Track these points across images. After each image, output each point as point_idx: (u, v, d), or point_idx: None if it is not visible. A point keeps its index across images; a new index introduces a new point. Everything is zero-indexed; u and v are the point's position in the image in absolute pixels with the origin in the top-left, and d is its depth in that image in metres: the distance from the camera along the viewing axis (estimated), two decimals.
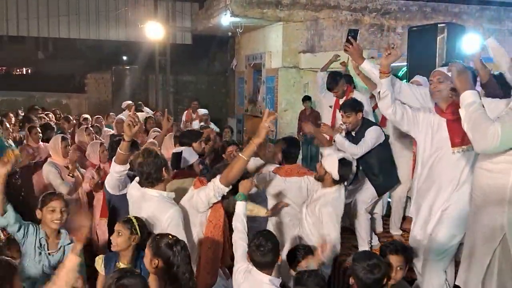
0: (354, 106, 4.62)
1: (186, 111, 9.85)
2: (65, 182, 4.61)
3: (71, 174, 4.68)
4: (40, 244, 3.02)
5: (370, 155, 4.45)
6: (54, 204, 3.05)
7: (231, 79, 13.00)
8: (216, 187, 2.99)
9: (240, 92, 11.84)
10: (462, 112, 2.56)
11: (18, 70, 22.40)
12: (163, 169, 3.02)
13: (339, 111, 5.01)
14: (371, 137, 4.39)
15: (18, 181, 5.34)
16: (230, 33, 11.30)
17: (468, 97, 2.53)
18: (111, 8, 12.56)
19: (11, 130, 5.91)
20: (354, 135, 4.55)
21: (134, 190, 3.12)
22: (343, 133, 4.70)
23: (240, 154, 2.93)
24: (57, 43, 25.56)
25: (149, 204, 3.00)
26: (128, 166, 3.34)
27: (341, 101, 5.56)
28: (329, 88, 5.59)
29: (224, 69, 13.64)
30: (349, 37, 3.51)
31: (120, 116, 7.95)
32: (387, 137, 4.64)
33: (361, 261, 2.69)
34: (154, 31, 11.79)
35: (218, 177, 3.01)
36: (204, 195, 3.03)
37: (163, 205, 2.97)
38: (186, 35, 12.93)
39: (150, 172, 2.99)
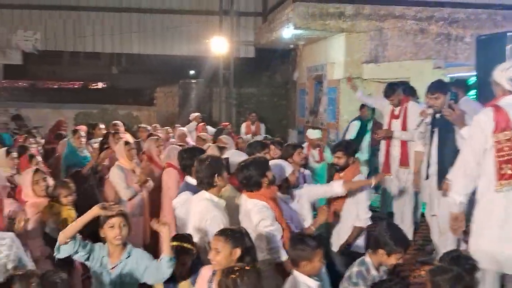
0: (441, 86, 4.52)
1: (245, 123, 10.05)
2: (131, 188, 4.87)
3: (139, 183, 4.95)
4: (101, 263, 3.05)
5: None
6: (113, 220, 3.02)
7: (292, 91, 13.06)
8: None
9: (301, 104, 11.86)
10: None
11: (93, 85, 23.76)
12: (215, 175, 3.22)
13: (396, 120, 5.22)
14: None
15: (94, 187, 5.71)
16: (292, 45, 11.41)
17: None
18: (179, 25, 13.10)
19: (82, 140, 6.26)
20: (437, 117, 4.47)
21: (185, 196, 3.59)
22: (429, 118, 4.67)
23: None
24: (130, 59, 26.93)
25: (200, 204, 3.33)
26: None
27: (395, 110, 5.65)
28: (386, 96, 5.68)
29: (286, 81, 13.73)
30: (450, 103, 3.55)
31: (181, 128, 8.37)
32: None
33: (443, 273, 2.64)
34: (218, 46, 12.15)
35: None
36: None
37: (208, 208, 3.25)
38: (249, 49, 13.20)
39: (203, 177, 3.26)
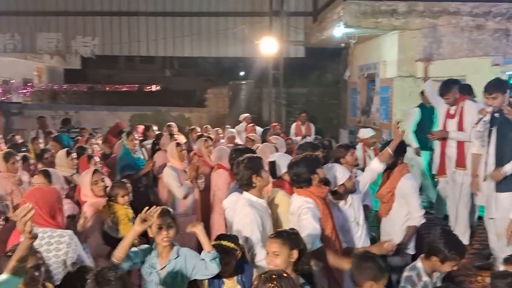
0: (499, 85, 4.38)
1: (295, 124, 10.02)
2: (184, 186, 5.00)
3: (190, 180, 5.07)
4: (151, 264, 3.08)
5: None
6: (159, 222, 3.05)
7: (343, 90, 12.91)
8: None
9: (352, 103, 11.70)
10: None
11: (148, 87, 24.50)
12: (253, 176, 3.25)
13: (451, 120, 5.01)
14: None
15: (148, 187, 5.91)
16: (343, 44, 11.27)
17: None
18: (230, 27, 13.25)
19: (135, 142, 6.44)
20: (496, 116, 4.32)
21: (234, 197, 3.64)
22: (488, 117, 4.53)
23: None
24: (182, 62, 27.66)
25: (238, 204, 3.41)
26: None
27: (451, 110, 5.44)
28: (441, 94, 5.48)
29: (336, 80, 13.60)
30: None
31: (230, 129, 8.48)
32: None
33: (505, 277, 2.58)
34: (268, 47, 12.19)
35: None
36: None
37: (243, 207, 3.33)
38: (299, 49, 13.16)
39: (241, 179, 3.40)
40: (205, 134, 7.76)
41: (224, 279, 3.10)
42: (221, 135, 8.36)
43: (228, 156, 4.76)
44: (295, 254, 2.71)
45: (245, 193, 3.43)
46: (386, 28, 9.00)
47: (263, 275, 2.44)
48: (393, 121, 9.08)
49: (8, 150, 5.57)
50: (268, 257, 2.74)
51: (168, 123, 8.90)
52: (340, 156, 4.57)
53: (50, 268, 2.97)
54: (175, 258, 3.10)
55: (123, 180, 4.46)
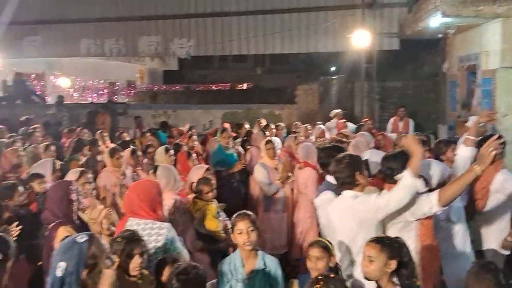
0: None
1: (393, 119, 9.65)
2: (273, 185, 5.05)
3: (280, 180, 5.12)
4: (234, 273, 3.05)
5: None
6: (240, 226, 3.03)
7: (441, 83, 12.24)
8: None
9: (452, 97, 11.07)
10: None
11: (239, 86, 25.11)
12: (356, 173, 3.15)
13: None
14: None
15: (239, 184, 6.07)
16: (440, 35, 10.71)
17: None
18: (321, 21, 13.10)
19: (227, 140, 6.60)
20: None
21: (327, 195, 3.48)
22: None
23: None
24: (273, 59, 27.97)
25: (343, 203, 3.21)
26: None
27: None
28: None
29: (434, 73, 12.91)
30: None
31: (320, 126, 8.38)
32: None
33: None
34: (361, 40, 11.89)
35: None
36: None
37: (360, 200, 3.14)
38: (393, 41, 12.66)
39: (343, 177, 3.23)
40: (296, 131, 7.81)
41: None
42: (310, 132, 8.32)
43: (317, 155, 4.74)
44: (393, 264, 2.55)
45: (349, 192, 3.24)
46: (488, 16, 8.38)
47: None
48: (497, 115, 8.46)
49: (113, 146, 6.01)
50: (363, 261, 2.63)
51: (258, 119, 9.03)
52: (440, 152, 4.43)
53: (150, 258, 3.17)
54: (263, 269, 3.05)
55: (207, 177, 4.54)
